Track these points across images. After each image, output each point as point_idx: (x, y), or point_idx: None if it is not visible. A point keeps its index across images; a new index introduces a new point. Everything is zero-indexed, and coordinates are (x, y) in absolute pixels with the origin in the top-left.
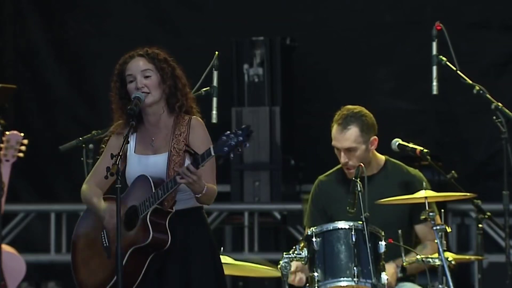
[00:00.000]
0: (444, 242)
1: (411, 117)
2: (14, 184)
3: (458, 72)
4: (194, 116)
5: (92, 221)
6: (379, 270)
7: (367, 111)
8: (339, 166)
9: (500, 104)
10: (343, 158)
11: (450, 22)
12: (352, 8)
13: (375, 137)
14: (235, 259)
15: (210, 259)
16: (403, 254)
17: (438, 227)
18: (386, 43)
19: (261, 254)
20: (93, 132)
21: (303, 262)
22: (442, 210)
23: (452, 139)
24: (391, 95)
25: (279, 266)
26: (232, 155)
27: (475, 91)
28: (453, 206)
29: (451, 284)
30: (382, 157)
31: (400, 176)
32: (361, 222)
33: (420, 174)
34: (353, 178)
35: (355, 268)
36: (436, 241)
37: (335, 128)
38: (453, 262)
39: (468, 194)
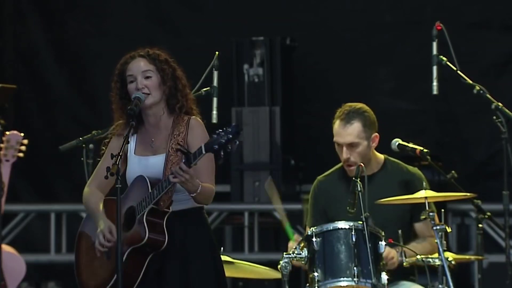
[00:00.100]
0: (444, 242)
1: (411, 117)
2: (14, 184)
3: (458, 72)
4: (193, 116)
5: (94, 223)
6: (379, 270)
7: (368, 108)
8: (337, 166)
9: (500, 104)
10: (344, 154)
11: (450, 22)
12: (352, 8)
13: (376, 134)
14: (235, 259)
15: (210, 259)
16: (403, 254)
17: (438, 227)
18: (386, 43)
19: (261, 254)
20: (93, 132)
21: (303, 262)
22: (442, 210)
23: (452, 139)
24: (391, 95)
25: (279, 266)
26: (222, 153)
27: (475, 91)
28: (453, 206)
29: (451, 284)
30: (381, 156)
31: (400, 174)
32: (361, 222)
33: (419, 172)
34: (353, 178)
35: (355, 268)
36: (435, 240)
37: (337, 124)
38: (453, 262)
39: (468, 194)
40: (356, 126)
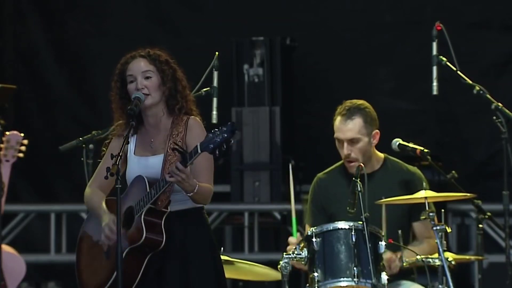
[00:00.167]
0: (444, 242)
1: (411, 117)
2: (14, 184)
3: (458, 72)
4: (192, 116)
5: (95, 223)
6: (379, 270)
7: (369, 105)
8: (338, 163)
9: (500, 104)
10: (345, 150)
11: (450, 22)
12: (352, 8)
13: (377, 131)
14: (235, 259)
15: (210, 260)
16: (403, 254)
17: (438, 227)
18: (386, 43)
19: (261, 254)
20: (93, 132)
21: (303, 263)
22: (442, 210)
23: (452, 139)
24: (391, 95)
25: (279, 266)
26: (218, 152)
27: (475, 91)
28: (453, 206)
29: (451, 284)
30: (381, 155)
31: (400, 174)
32: (361, 222)
33: (419, 172)
34: (353, 179)
35: (355, 268)
36: (435, 240)
37: (338, 120)
38: (453, 262)
39: (468, 194)
40: (357, 122)
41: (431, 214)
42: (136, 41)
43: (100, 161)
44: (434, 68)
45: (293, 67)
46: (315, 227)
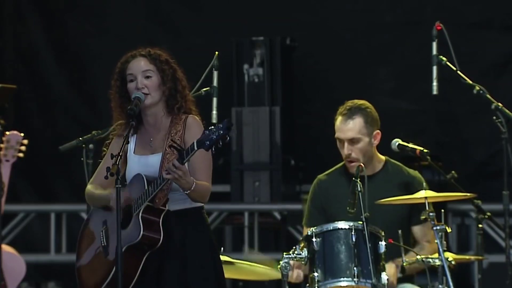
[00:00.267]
0: (444, 242)
1: (411, 117)
2: (14, 184)
3: (458, 72)
4: (191, 115)
5: (94, 221)
6: (379, 270)
7: (370, 105)
8: (338, 165)
9: (500, 104)
10: (346, 150)
11: (450, 22)
12: (352, 8)
13: (378, 131)
14: (235, 259)
15: (210, 259)
16: (403, 254)
17: (438, 227)
18: (386, 43)
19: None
20: (93, 132)
21: (303, 262)
22: (442, 210)
23: (452, 139)
24: (391, 95)
25: (279, 266)
26: (213, 149)
27: (475, 91)
28: (453, 206)
29: (451, 284)
30: (382, 157)
31: (400, 177)
32: (361, 222)
33: (420, 176)
34: (353, 178)
35: (355, 268)
36: (436, 241)
37: (339, 120)
38: (453, 262)
39: (468, 194)
40: (357, 122)
41: (431, 214)
42: (136, 41)
43: (100, 161)
44: (434, 68)
45: (293, 67)
46: (315, 227)
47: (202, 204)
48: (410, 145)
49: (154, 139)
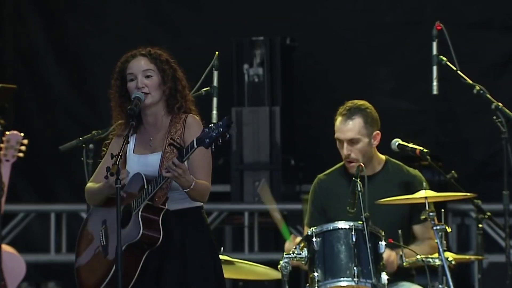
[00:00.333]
0: (444, 242)
1: (411, 117)
2: (14, 184)
3: (458, 72)
4: (191, 114)
5: (93, 221)
6: (379, 270)
7: (370, 105)
8: (338, 165)
9: (500, 104)
10: (345, 150)
11: (450, 22)
12: (352, 8)
13: (378, 131)
14: (235, 259)
15: (210, 259)
16: (403, 255)
17: (438, 227)
18: (386, 43)
19: (261, 254)
20: (93, 132)
21: (303, 263)
22: (442, 210)
23: (452, 139)
24: (391, 95)
25: (279, 266)
26: (213, 147)
27: (475, 91)
28: (453, 206)
29: (451, 284)
30: (382, 157)
31: (401, 176)
32: (361, 222)
33: (420, 175)
34: (353, 178)
35: (355, 268)
36: (435, 241)
37: (339, 120)
38: (453, 262)
39: (468, 194)
40: (357, 122)
41: (431, 214)
42: (136, 41)
43: (100, 161)
44: (434, 68)
45: (293, 67)
46: (315, 227)
47: (202, 204)
48: (410, 145)
49: (154, 139)
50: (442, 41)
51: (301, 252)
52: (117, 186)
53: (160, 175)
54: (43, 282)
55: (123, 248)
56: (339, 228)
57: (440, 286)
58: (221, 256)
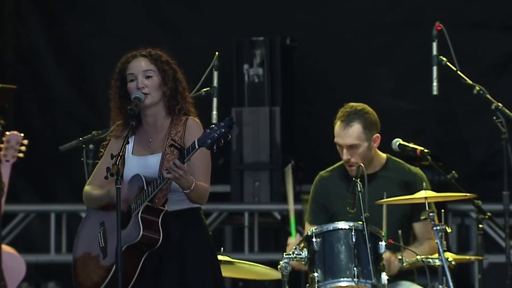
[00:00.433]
0: (444, 242)
1: (411, 117)
2: (14, 184)
3: (458, 72)
4: (191, 116)
5: (91, 223)
6: (379, 270)
7: (370, 109)
8: (340, 162)
9: (500, 104)
10: (345, 155)
11: (450, 22)
12: (352, 8)
13: (378, 134)
14: (235, 259)
15: (208, 259)
16: (403, 258)
17: (438, 227)
18: (386, 43)
19: (261, 255)
20: (93, 132)
21: (303, 263)
22: (442, 211)
23: (452, 139)
24: (391, 95)
25: (279, 267)
26: (215, 148)
27: (475, 91)
28: (453, 206)
29: (451, 284)
30: (383, 155)
31: (402, 174)
32: (361, 223)
33: (421, 173)
34: (353, 179)
35: (355, 268)
36: (435, 240)
37: (338, 125)
38: (453, 263)
39: (468, 194)
40: (355, 128)
41: (431, 214)
42: (136, 41)
43: (98, 162)
44: (434, 68)
45: (293, 67)
46: (315, 227)
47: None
48: (411, 145)
49: (153, 140)
50: (442, 41)
51: (301, 253)
52: (117, 186)
53: (160, 177)
54: (43, 282)
55: (123, 249)
56: (339, 229)
57: (440, 286)
58: (221, 257)
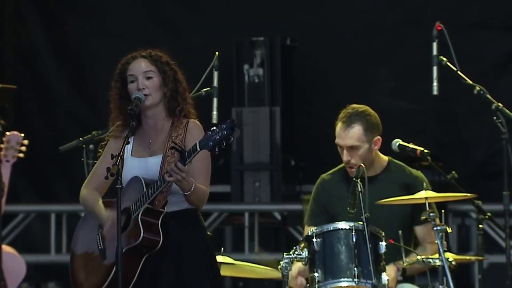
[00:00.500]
0: (445, 242)
1: (411, 117)
2: (14, 184)
3: (459, 72)
4: (192, 119)
5: (89, 224)
6: (380, 270)
7: (372, 111)
8: (342, 165)
9: (500, 104)
10: (345, 156)
11: (450, 22)
12: (352, 8)
13: (379, 137)
14: (235, 260)
15: (207, 260)
16: (403, 255)
17: (438, 228)
18: (386, 43)
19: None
20: (93, 132)
21: (303, 263)
22: (443, 211)
23: (452, 139)
24: (391, 95)
25: (279, 267)
26: (217, 150)
27: (475, 92)
28: (453, 206)
29: (451, 284)
30: (385, 158)
31: (403, 177)
32: (361, 223)
33: (422, 176)
34: (354, 179)
35: (355, 268)
36: (436, 242)
37: (339, 126)
38: (453, 263)
39: (469, 194)
40: (356, 130)
41: (431, 214)
42: (136, 41)
43: (95, 163)
44: (434, 68)
45: (293, 67)
46: (315, 228)
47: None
48: (411, 146)
49: (153, 141)
50: (442, 41)
51: (301, 253)
52: (117, 186)
53: (160, 179)
54: (43, 282)
55: (122, 251)
56: (339, 229)
57: (440, 286)
58: (220, 258)
